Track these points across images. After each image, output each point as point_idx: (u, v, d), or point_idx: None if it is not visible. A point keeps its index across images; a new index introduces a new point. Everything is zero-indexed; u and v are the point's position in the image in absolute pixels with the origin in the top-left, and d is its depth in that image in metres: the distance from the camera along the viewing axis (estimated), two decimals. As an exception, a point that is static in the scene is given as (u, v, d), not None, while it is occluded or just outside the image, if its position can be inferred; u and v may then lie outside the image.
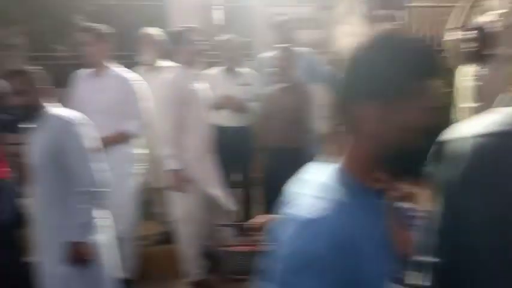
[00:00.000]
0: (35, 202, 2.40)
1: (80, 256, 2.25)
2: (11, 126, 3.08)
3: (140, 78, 3.28)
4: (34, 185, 2.37)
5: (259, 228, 2.74)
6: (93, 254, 2.30)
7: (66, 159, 2.27)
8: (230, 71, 3.83)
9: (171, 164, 3.03)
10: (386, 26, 6.27)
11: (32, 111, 2.33)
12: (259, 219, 2.74)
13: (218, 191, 3.24)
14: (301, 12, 6.08)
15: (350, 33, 6.60)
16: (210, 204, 3.20)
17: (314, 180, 0.98)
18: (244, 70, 3.91)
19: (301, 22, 5.01)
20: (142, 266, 3.26)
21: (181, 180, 2.99)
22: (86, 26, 3.06)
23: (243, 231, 3.65)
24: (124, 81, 3.14)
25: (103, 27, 3.12)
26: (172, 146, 3.00)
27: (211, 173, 3.23)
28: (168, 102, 3.03)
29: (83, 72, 3.27)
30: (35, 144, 2.34)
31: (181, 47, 3.07)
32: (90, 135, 2.40)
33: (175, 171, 3.00)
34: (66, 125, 2.31)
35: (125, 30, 5.87)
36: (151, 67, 3.67)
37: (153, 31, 3.72)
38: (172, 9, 6.67)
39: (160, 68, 3.65)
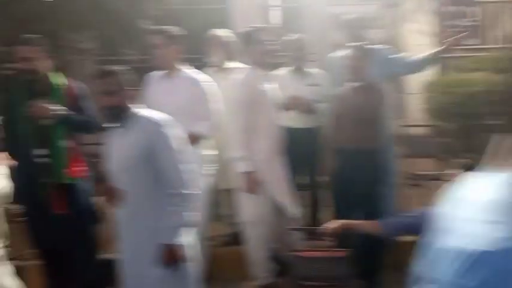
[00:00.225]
0: (121, 203, 2.37)
1: (173, 258, 2.26)
2: (87, 127, 3.18)
3: (210, 79, 3.29)
4: (119, 186, 2.37)
5: (331, 234, 2.66)
6: (185, 255, 2.32)
7: (157, 161, 2.28)
8: (298, 71, 3.77)
9: (243, 166, 3.00)
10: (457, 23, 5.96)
11: (120, 112, 2.34)
12: (331, 224, 2.66)
13: (286, 194, 3.18)
14: (364, 10, 5.89)
15: (419, 31, 6.35)
16: (279, 207, 3.14)
17: (477, 199, 0.77)
18: (313, 70, 3.83)
19: (366, 21, 4.81)
20: (209, 267, 3.25)
21: (252, 183, 2.96)
22: (157, 29, 3.11)
23: (313, 235, 3.57)
24: (195, 82, 3.16)
25: (174, 29, 3.15)
26: (243, 148, 2.98)
27: (280, 175, 3.17)
28: (238, 103, 3.01)
29: (154, 74, 3.31)
30: (123, 146, 2.34)
31: (251, 47, 3.05)
32: (179, 136, 2.41)
33: (247, 174, 2.98)
34: (157, 126, 2.31)
35: (190, 33, 5.95)
36: (220, 68, 3.67)
37: (221, 32, 3.72)
38: (235, 12, 6.71)
39: (228, 69, 3.64)
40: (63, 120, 3.02)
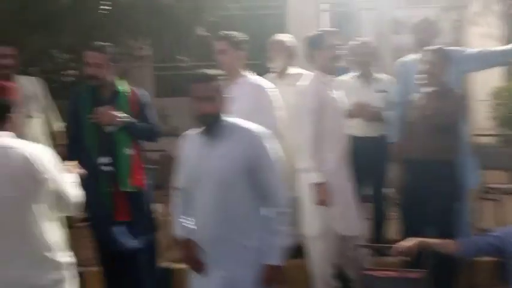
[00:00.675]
0: (207, 215, 2.13)
1: (276, 279, 2.11)
2: (149, 135, 3.15)
3: (273, 86, 3.18)
4: (206, 197, 2.13)
5: (406, 253, 2.48)
6: (284, 277, 2.18)
7: (260, 175, 2.10)
8: (365, 77, 3.61)
9: (313, 177, 2.86)
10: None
11: (215, 120, 2.14)
12: (406, 242, 2.48)
13: (352, 207, 3.02)
14: (423, 14, 5.61)
15: (485, 35, 6.00)
16: (344, 221, 2.97)
17: None
18: (381, 76, 3.65)
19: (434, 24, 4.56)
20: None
21: (323, 194, 2.81)
22: (221, 34, 3.02)
23: (379, 252, 3.39)
24: (260, 89, 3.06)
25: (239, 35, 3.06)
26: (312, 158, 2.84)
27: (347, 187, 3.01)
28: (305, 111, 2.87)
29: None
30: (216, 157, 2.11)
31: (320, 51, 2.90)
32: (277, 149, 2.21)
33: (318, 185, 2.83)
34: (259, 138, 2.12)
35: (248, 39, 5.87)
36: (281, 74, 3.56)
37: (284, 37, 3.61)
38: (291, 17, 6.62)
39: (290, 75, 3.52)
40: (127, 128, 3.00)
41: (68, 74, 6.23)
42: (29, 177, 1.93)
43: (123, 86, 3.14)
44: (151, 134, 3.17)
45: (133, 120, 3.03)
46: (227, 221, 2.08)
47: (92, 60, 2.99)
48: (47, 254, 1.98)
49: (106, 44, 3.10)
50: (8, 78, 3.50)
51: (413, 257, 2.47)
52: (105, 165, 3.00)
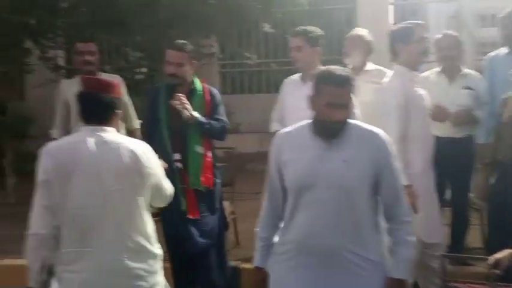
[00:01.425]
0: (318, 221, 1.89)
1: None
2: (221, 133, 3.12)
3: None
4: (320, 203, 1.88)
5: (498, 265, 2.27)
6: None
7: (383, 181, 1.89)
8: (450, 73, 3.37)
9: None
10: None
11: (343, 126, 1.89)
12: (500, 254, 2.26)
13: (436, 213, 2.83)
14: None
15: None
16: (429, 227, 2.78)
17: None
18: (467, 71, 3.40)
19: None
20: None
21: (411, 198, 2.64)
22: (299, 30, 2.92)
23: (462, 262, 3.17)
24: None
25: (315, 30, 2.95)
26: (399, 159, 2.67)
27: (431, 191, 2.82)
28: (391, 109, 2.70)
29: (292, 78, 3.16)
30: (335, 162, 1.87)
31: (407, 45, 2.72)
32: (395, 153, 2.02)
33: (405, 188, 2.66)
34: (386, 143, 1.91)
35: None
36: (359, 70, 3.41)
37: (363, 31, 3.45)
38: (362, 11, 6.42)
39: (368, 72, 3.36)
40: (199, 125, 2.99)
41: (139, 72, 6.41)
42: (136, 171, 2.01)
43: (199, 84, 3.13)
44: (222, 133, 3.15)
45: (206, 118, 3.01)
46: (344, 230, 1.86)
47: (173, 59, 2.98)
48: (146, 244, 2.05)
49: (186, 42, 3.10)
50: (92, 74, 3.61)
51: (502, 270, 2.26)
52: (178, 161, 3.00)
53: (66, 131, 3.70)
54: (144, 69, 6.67)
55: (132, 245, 2.01)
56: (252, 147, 6.58)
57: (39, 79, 6.32)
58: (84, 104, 2.08)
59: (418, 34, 2.74)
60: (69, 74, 7.26)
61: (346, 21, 6.78)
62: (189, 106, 2.95)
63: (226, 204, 3.62)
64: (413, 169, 2.68)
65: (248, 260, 3.80)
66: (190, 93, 3.07)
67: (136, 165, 2.01)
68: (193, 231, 3.02)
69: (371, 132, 1.92)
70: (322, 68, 1.93)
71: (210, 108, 3.10)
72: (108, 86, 2.10)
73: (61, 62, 6.42)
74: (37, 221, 1.96)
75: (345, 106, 1.85)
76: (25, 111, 6.66)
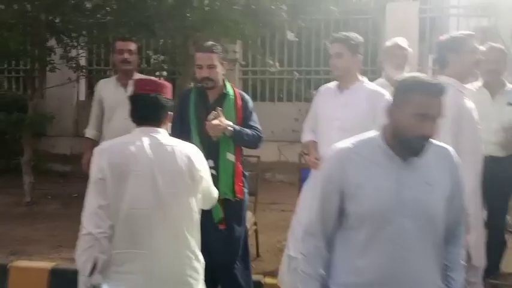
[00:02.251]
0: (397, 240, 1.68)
1: None
2: (255, 142, 2.99)
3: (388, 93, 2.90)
4: (398, 231, 1.66)
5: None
6: None
7: (454, 205, 1.73)
8: (493, 87, 3.23)
9: None
10: None
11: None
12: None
13: (482, 234, 2.67)
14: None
15: None
16: (476, 249, 2.62)
17: None
18: (511, 87, 3.26)
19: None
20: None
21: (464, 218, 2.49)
22: (339, 36, 2.79)
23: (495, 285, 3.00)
24: (378, 96, 2.79)
25: (356, 37, 2.82)
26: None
27: (479, 211, 2.67)
28: (443, 122, 2.55)
29: (328, 86, 3.02)
30: (423, 184, 1.67)
31: (458, 56, 2.59)
32: None
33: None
34: (457, 161, 1.77)
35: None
36: (394, 81, 3.27)
37: (402, 41, 3.32)
38: (391, 22, 6.28)
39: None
40: (238, 136, 2.88)
41: (160, 75, 6.34)
42: (189, 174, 1.99)
43: (230, 88, 3.02)
44: (257, 141, 3.02)
45: (241, 128, 2.90)
46: (430, 264, 1.67)
47: (204, 61, 2.88)
48: (196, 250, 2.03)
49: (214, 43, 2.99)
50: (130, 74, 3.54)
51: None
52: (211, 168, 2.87)
53: (100, 131, 3.65)
54: (164, 73, 6.62)
55: (183, 251, 1.98)
56: (271, 156, 6.46)
57: (59, 78, 6.29)
58: (138, 105, 2.04)
59: (470, 44, 2.61)
60: (90, 74, 7.35)
61: (373, 31, 6.65)
62: (224, 121, 2.83)
63: (249, 214, 3.49)
64: (464, 187, 2.53)
65: (269, 273, 3.69)
66: (222, 97, 2.97)
67: (189, 169, 1.99)
68: (221, 242, 2.90)
69: (445, 149, 1.75)
70: (407, 75, 1.74)
71: (241, 113, 2.99)
72: (162, 87, 2.06)
73: (82, 62, 6.39)
74: (91, 220, 1.89)
75: (435, 119, 1.63)
76: (45, 109, 6.61)
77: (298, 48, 6.90)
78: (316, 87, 6.97)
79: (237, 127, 2.89)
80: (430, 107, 1.61)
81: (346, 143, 1.76)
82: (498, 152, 3.19)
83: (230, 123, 2.86)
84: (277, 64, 6.75)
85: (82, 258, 1.88)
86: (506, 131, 3.22)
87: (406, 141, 1.64)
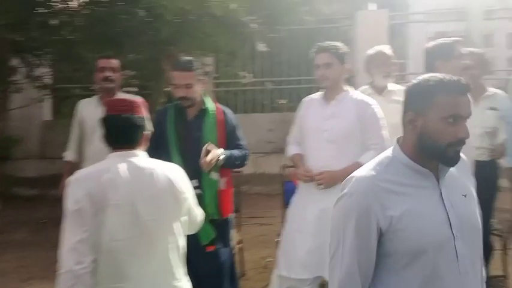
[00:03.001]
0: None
1: None
2: (242, 162, 2.88)
3: (376, 103, 2.85)
4: (453, 260, 1.45)
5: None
6: None
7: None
8: (474, 93, 3.22)
9: None
10: None
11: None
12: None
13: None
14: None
15: None
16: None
17: None
18: (493, 91, 3.27)
19: None
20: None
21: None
22: (325, 46, 2.72)
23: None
24: (365, 105, 2.74)
25: (342, 46, 2.76)
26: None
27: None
28: None
29: (312, 96, 2.95)
30: (465, 199, 1.51)
31: (446, 62, 2.56)
32: None
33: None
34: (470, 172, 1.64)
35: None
36: (382, 90, 3.23)
37: (386, 49, 3.29)
38: (362, 31, 6.32)
39: (391, 92, 3.19)
40: (226, 163, 2.77)
41: (129, 91, 6.15)
42: (172, 198, 1.89)
43: (210, 103, 2.90)
44: (244, 161, 2.91)
45: (231, 153, 2.79)
46: (475, 281, 1.48)
47: (181, 80, 2.74)
48: (182, 277, 1.94)
49: (191, 59, 2.87)
50: (113, 93, 3.37)
51: None
52: (196, 188, 2.74)
53: (81, 153, 3.46)
54: (134, 89, 6.44)
55: (169, 281, 1.88)
56: (248, 169, 6.31)
57: (25, 98, 6.02)
58: (110, 127, 1.89)
59: (457, 50, 2.59)
60: (56, 93, 7.08)
61: (344, 40, 6.68)
62: (216, 152, 2.71)
63: (232, 232, 3.37)
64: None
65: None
66: (202, 113, 2.85)
67: (172, 191, 1.89)
68: (208, 266, 2.76)
69: (464, 160, 1.57)
70: (423, 77, 1.48)
71: (224, 128, 2.87)
72: (134, 106, 1.91)
73: (49, 80, 6.15)
74: (71, 257, 1.74)
75: (466, 119, 1.44)
76: (9, 131, 6.32)
77: (270, 59, 6.87)
78: (289, 97, 7.03)
79: (228, 153, 2.78)
80: (460, 106, 1.41)
81: (364, 171, 1.48)
82: (482, 157, 3.19)
83: (221, 150, 2.75)
84: (250, 75, 6.72)
85: None
86: (490, 136, 3.22)
87: (439, 150, 1.42)
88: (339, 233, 1.46)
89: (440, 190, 1.45)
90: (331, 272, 1.48)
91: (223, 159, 2.73)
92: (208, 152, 2.67)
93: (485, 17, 5.70)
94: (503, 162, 3.21)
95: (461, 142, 1.42)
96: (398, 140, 1.52)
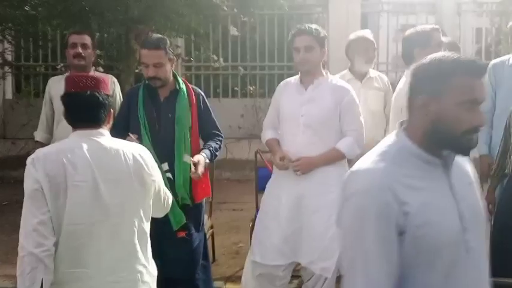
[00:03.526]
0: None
1: None
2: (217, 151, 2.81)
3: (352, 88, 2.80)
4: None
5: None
6: None
7: None
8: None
9: None
10: None
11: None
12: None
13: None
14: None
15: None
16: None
17: None
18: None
19: None
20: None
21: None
22: (305, 28, 2.63)
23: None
24: (342, 91, 2.69)
25: (323, 30, 2.69)
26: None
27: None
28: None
29: (289, 81, 2.87)
30: (474, 195, 1.40)
31: (424, 50, 2.52)
32: None
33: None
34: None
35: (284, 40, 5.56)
36: (362, 76, 3.18)
37: (368, 34, 3.23)
38: (335, 18, 6.29)
39: (372, 78, 3.16)
40: (210, 160, 2.73)
41: (97, 71, 5.93)
42: (139, 180, 1.80)
43: (182, 84, 2.78)
44: (220, 147, 2.83)
45: (211, 151, 2.73)
46: (485, 275, 1.39)
47: (150, 59, 2.61)
48: (146, 264, 1.85)
49: (161, 37, 2.74)
50: (84, 70, 3.18)
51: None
52: (166, 172, 2.63)
53: (51, 133, 3.28)
54: (100, 69, 6.21)
55: (133, 266, 1.80)
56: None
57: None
58: (72, 105, 1.79)
59: (435, 39, 2.56)
60: (17, 70, 6.76)
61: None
62: (202, 160, 2.62)
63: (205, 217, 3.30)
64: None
65: (229, 278, 3.51)
66: (174, 94, 2.73)
67: (138, 173, 1.80)
68: (180, 253, 2.68)
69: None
70: (436, 55, 1.32)
71: (196, 110, 2.77)
72: (99, 83, 1.80)
73: (9, 57, 5.86)
74: (31, 239, 1.64)
75: (481, 104, 1.30)
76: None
77: (243, 44, 6.74)
78: (260, 83, 6.95)
79: (208, 153, 2.70)
80: (477, 89, 1.27)
81: (369, 163, 1.30)
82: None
83: (204, 155, 2.66)
84: (221, 60, 6.57)
85: (26, 284, 1.62)
86: None
87: (453, 139, 1.28)
88: (356, 239, 1.25)
89: (450, 182, 1.33)
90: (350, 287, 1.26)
91: (208, 160, 2.68)
92: (195, 164, 2.57)
93: (456, 10, 5.77)
94: (472, 153, 3.22)
95: (476, 129, 1.30)
96: (402, 125, 1.37)
